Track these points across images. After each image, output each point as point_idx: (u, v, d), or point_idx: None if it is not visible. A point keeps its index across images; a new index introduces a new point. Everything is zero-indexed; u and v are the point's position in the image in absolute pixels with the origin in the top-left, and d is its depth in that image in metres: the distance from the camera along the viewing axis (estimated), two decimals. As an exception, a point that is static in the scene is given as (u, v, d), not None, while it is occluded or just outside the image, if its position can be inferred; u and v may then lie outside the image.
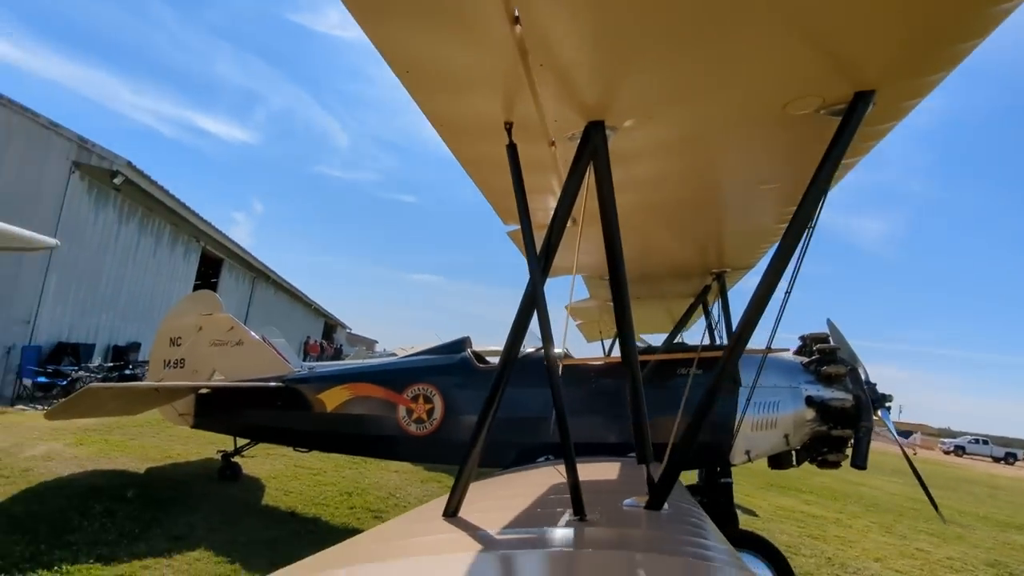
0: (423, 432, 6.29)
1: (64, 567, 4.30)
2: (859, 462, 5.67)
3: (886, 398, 6.42)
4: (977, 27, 2.18)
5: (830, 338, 6.35)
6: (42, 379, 10.47)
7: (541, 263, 2.75)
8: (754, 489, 13.40)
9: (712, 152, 3.07)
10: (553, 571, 1.72)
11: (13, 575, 4.07)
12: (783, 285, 2.70)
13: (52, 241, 6.98)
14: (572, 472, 2.58)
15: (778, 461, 6.30)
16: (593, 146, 2.65)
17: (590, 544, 2.03)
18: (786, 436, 5.83)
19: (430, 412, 6.31)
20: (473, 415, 5.87)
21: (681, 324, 7.43)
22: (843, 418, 5.72)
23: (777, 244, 2.68)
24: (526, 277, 2.85)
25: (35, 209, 10.32)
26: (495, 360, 6.14)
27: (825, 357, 5.97)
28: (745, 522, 9.38)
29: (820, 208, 2.70)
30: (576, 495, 2.50)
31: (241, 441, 7.46)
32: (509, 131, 2.71)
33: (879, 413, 6.35)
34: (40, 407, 10.26)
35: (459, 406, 6.25)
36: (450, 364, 6.56)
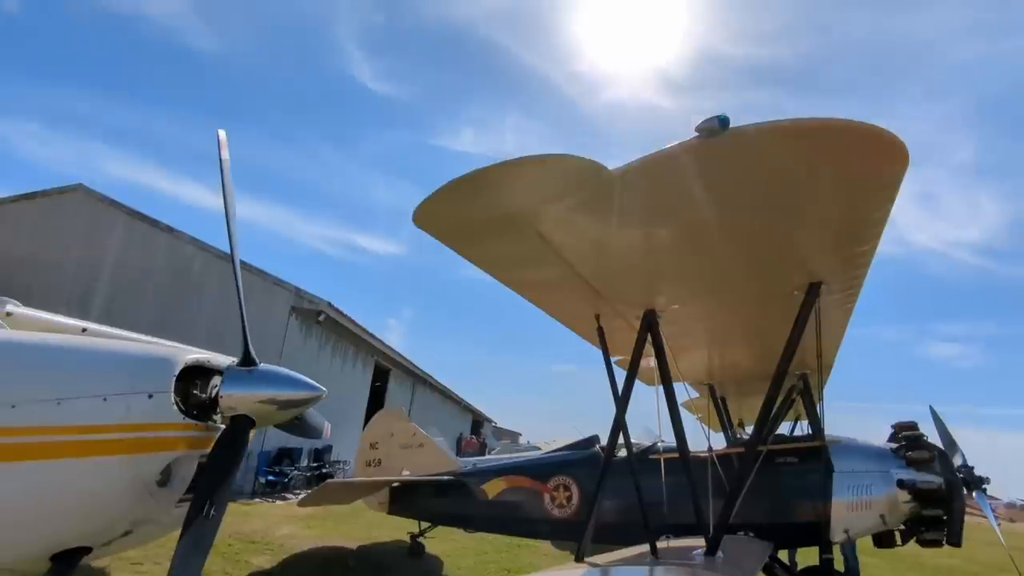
0: (564, 516, 7.81)
1: (324, 609, 6.35)
2: (954, 540, 6.32)
3: (983, 480, 6.97)
4: (869, 246, 3.68)
5: (932, 426, 7.12)
6: (271, 477, 13.52)
7: (625, 396, 4.46)
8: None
9: (739, 317, 4.64)
10: (623, 573, 3.28)
11: (298, 611, 6.17)
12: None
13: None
14: (649, 532, 4.11)
15: (880, 540, 6.99)
16: (648, 322, 4.34)
17: (648, 563, 3.55)
18: (882, 516, 6.57)
19: (569, 499, 7.86)
20: (603, 500, 7.35)
21: (776, 419, 8.37)
22: (934, 499, 6.41)
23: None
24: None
25: (265, 345, 13.70)
26: (621, 452, 7.67)
27: (911, 443, 6.75)
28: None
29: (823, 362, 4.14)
30: (652, 544, 4.02)
31: (424, 524, 9.43)
32: (598, 319, 4.51)
33: (974, 495, 6.91)
34: (270, 500, 13.18)
35: (592, 493, 7.75)
36: (582, 458, 8.13)
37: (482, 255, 3.42)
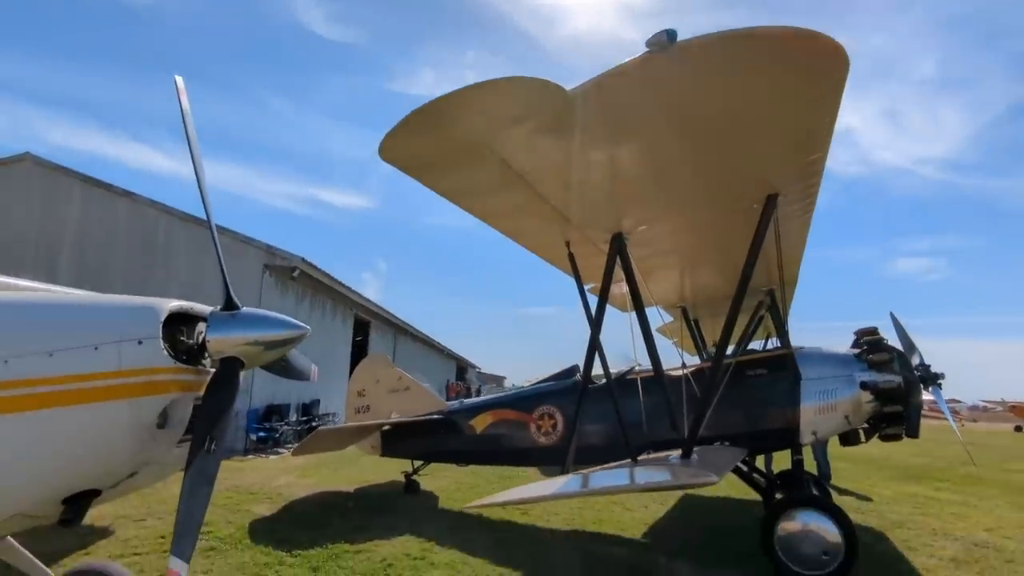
0: (550, 443, 8.18)
1: (327, 545, 6.63)
2: (912, 432, 6.81)
3: (938, 376, 7.46)
4: (820, 154, 3.83)
5: (893, 330, 7.55)
6: (262, 434, 13.76)
7: (598, 319, 4.66)
8: (883, 480, 13.77)
9: (704, 235, 4.83)
10: (604, 474, 3.55)
11: (303, 549, 6.45)
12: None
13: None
14: (629, 448, 4.40)
15: (846, 439, 7.48)
16: (617, 245, 4.50)
17: (628, 465, 3.85)
18: (847, 417, 7.02)
19: (554, 426, 8.21)
20: (585, 425, 7.69)
21: (747, 335, 8.73)
22: (894, 397, 6.86)
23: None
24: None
25: (241, 303, 13.69)
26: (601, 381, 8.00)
27: (872, 347, 7.16)
28: (855, 506, 10.24)
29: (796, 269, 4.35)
30: (633, 457, 4.30)
31: (417, 463, 9.78)
32: (568, 245, 4.66)
33: (930, 390, 7.40)
34: (263, 456, 13.46)
35: (573, 420, 8.10)
36: (564, 388, 8.45)
37: (450, 186, 3.50)
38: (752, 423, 7.18)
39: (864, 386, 6.99)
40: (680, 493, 10.44)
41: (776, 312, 7.68)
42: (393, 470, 10.54)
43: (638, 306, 4.72)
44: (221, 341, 3.26)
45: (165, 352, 2.99)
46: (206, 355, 3.32)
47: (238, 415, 14.02)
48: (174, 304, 3.19)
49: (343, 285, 17.60)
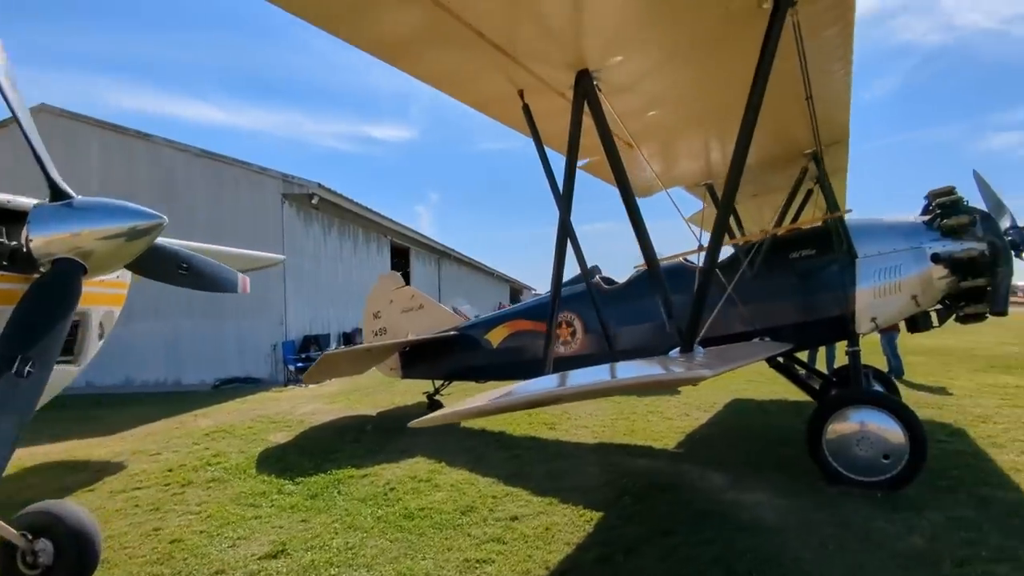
0: (570, 352, 7.41)
1: (332, 471, 6.26)
2: (998, 308, 5.62)
3: (1034, 241, 6.08)
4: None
5: (976, 190, 6.21)
6: (300, 364, 13.72)
7: (567, 195, 3.67)
8: (966, 372, 12.39)
9: (701, 63, 3.65)
10: (579, 373, 2.79)
11: (306, 476, 6.09)
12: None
13: (279, 257, 9.23)
14: (612, 352, 3.52)
15: (914, 323, 6.33)
16: (583, 91, 3.44)
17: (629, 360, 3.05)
18: (914, 297, 5.86)
19: (573, 334, 7.41)
20: (610, 328, 6.83)
21: (787, 210, 7.46)
22: (975, 268, 5.63)
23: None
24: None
25: (265, 235, 13.38)
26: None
27: (946, 211, 5.86)
28: (931, 400, 9.10)
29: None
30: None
31: (438, 383, 9.31)
32: (522, 95, 3.63)
33: (1024, 257, 6.06)
34: (302, 386, 13.47)
35: (594, 325, 7.22)
36: (582, 292, 7.57)
37: (371, 36, 2.55)
38: (797, 313, 6.15)
39: (936, 259, 5.80)
40: (728, 398, 9.61)
41: (825, 180, 6.42)
42: (421, 393, 10.15)
43: (619, 173, 3.66)
44: (48, 240, 2.58)
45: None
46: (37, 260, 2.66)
47: (275, 348, 14.00)
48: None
49: (372, 211, 17.01)
